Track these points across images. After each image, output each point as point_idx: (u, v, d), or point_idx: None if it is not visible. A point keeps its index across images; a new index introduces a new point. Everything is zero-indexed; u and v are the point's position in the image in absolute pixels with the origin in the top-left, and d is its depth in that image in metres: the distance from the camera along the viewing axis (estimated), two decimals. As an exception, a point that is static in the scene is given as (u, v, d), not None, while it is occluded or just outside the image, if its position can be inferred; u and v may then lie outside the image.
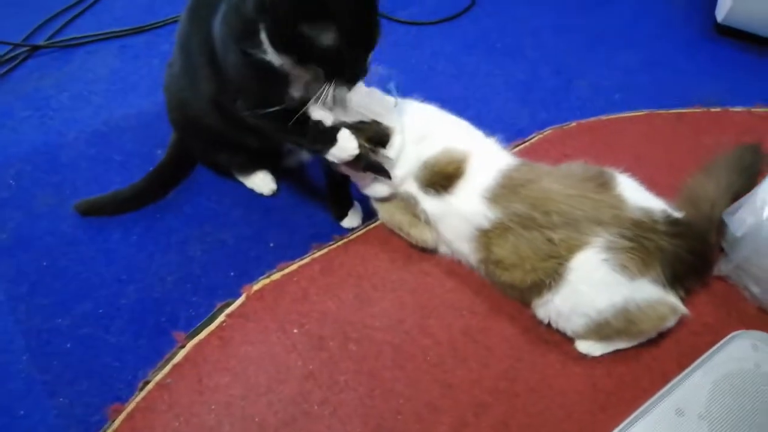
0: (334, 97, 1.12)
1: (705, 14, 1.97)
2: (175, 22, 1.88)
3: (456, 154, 1.21)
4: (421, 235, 1.27)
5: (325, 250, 1.34)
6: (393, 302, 1.25)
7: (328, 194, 1.42)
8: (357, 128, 1.17)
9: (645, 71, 1.80)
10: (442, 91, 1.73)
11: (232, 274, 1.32)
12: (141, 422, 1.09)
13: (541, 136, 1.58)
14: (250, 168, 1.46)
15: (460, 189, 1.19)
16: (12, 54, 1.81)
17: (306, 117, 1.13)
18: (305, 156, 1.47)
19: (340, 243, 1.35)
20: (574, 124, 1.61)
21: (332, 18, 0.97)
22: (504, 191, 1.15)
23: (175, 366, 1.15)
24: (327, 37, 0.99)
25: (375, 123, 1.19)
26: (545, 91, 1.74)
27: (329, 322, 1.22)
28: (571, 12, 2.00)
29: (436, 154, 1.22)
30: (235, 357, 1.17)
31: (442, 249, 1.30)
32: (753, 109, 1.65)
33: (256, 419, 1.10)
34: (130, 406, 1.10)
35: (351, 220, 1.41)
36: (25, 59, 1.81)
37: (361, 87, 1.16)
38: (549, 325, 1.18)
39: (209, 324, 1.21)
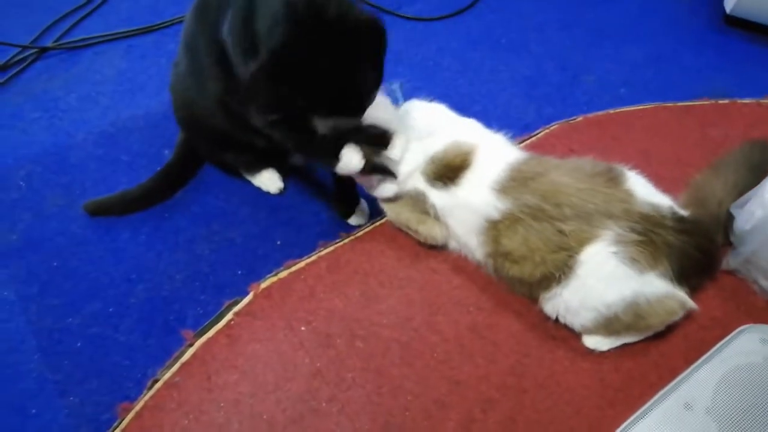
0: None
1: (713, 5, 1.95)
2: (182, 21, 1.89)
3: (463, 146, 1.22)
4: (430, 231, 1.27)
5: (332, 248, 1.34)
6: (400, 299, 1.26)
7: (335, 192, 1.42)
8: (358, 131, 1.17)
9: (651, 65, 1.79)
10: (448, 86, 1.72)
11: (239, 272, 1.33)
12: (150, 421, 1.10)
13: (547, 130, 1.57)
14: (257, 167, 1.47)
15: (468, 180, 1.19)
16: (21, 56, 1.82)
17: (313, 129, 1.13)
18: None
19: (346, 241, 1.35)
20: (580, 118, 1.61)
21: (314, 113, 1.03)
22: (513, 183, 1.15)
23: (183, 364, 1.16)
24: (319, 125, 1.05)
25: (375, 125, 1.18)
26: (551, 86, 1.74)
27: (336, 320, 1.23)
28: (576, 7, 1.99)
29: (444, 148, 1.22)
30: (243, 355, 1.18)
31: (452, 244, 1.30)
32: (762, 101, 1.64)
33: (265, 417, 1.10)
34: (139, 405, 1.11)
35: (357, 218, 1.41)
36: (33, 61, 1.83)
37: None
38: (556, 320, 1.18)
39: (217, 322, 1.22)
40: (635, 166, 1.18)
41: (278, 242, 1.39)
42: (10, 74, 1.78)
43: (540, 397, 1.12)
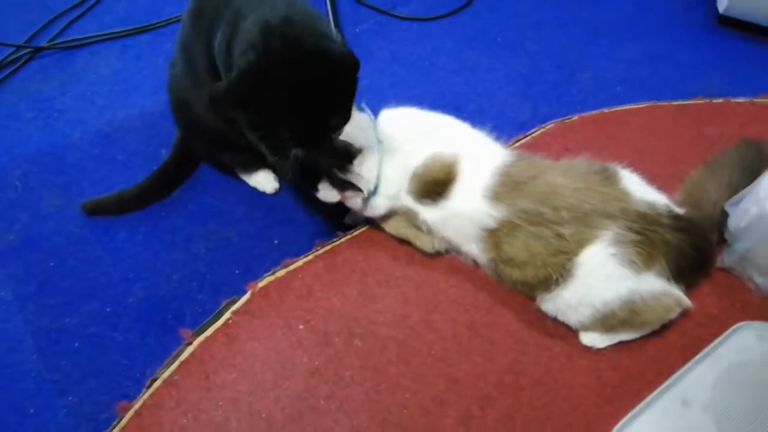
0: None
1: (706, 5, 1.96)
2: (177, 21, 1.89)
3: (444, 158, 1.20)
4: (425, 246, 1.28)
5: (329, 247, 1.34)
6: (397, 298, 1.26)
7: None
8: (329, 148, 1.18)
9: (647, 63, 1.80)
10: (444, 86, 1.73)
11: (237, 271, 1.33)
12: (149, 419, 1.10)
13: (543, 129, 1.58)
14: (253, 167, 1.47)
15: (457, 192, 1.18)
16: (15, 56, 1.82)
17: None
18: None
19: (343, 240, 1.35)
20: (576, 117, 1.61)
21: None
22: (506, 189, 1.14)
23: (182, 363, 1.16)
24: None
25: (342, 141, 1.19)
26: (547, 84, 1.74)
27: (334, 319, 1.23)
28: (572, 5, 2.00)
29: (425, 162, 1.21)
30: (242, 353, 1.18)
31: (455, 251, 1.30)
32: (756, 100, 1.65)
33: (263, 415, 1.11)
34: (138, 404, 1.11)
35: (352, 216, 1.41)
36: (28, 61, 1.82)
37: None
38: (554, 318, 1.18)
39: (215, 321, 1.22)
40: (630, 165, 1.19)
41: (275, 241, 1.39)
42: (4, 74, 1.77)
43: (538, 394, 1.13)
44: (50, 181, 1.50)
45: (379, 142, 1.22)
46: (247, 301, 1.25)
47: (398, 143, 1.23)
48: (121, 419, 1.10)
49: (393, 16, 1.95)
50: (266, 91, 0.99)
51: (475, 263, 1.27)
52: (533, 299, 1.19)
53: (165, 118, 1.47)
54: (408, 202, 1.23)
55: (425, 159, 1.21)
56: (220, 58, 1.10)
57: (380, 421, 1.10)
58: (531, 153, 1.24)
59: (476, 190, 1.16)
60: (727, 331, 1.13)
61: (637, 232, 1.06)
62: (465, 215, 1.18)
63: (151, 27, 1.92)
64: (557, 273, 1.10)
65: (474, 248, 1.21)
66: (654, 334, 1.17)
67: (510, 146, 1.49)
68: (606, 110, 1.63)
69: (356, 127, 1.19)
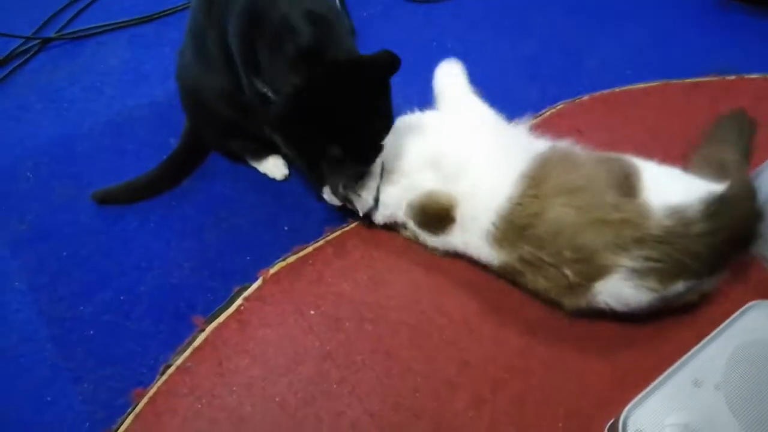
0: None
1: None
2: (184, 9, 1.89)
3: (441, 198, 1.18)
4: (434, 251, 1.28)
5: (339, 233, 1.34)
6: (407, 283, 1.26)
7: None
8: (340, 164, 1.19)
9: (656, 45, 1.77)
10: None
11: (248, 258, 1.34)
12: (163, 405, 1.11)
13: (553, 110, 1.56)
14: (263, 153, 1.47)
15: (458, 232, 1.19)
16: (24, 47, 1.82)
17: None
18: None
19: (353, 225, 1.36)
20: (586, 97, 1.59)
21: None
22: (508, 234, 1.11)
23: (195, 349, 1.18)
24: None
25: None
26: (555, 68, 1.72)
27: (345, 304, 1.23)
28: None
29: (419, 199, 1.20)
30: (254, 339, 1.19)
31: None
32: (769, 76, 1.62)
33: (277, 399, 1.12)
34: (153, 390, 1.13)
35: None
36: (36, 52, 1.83)
37: None
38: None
39: (227, 308, 1.23)
40: (643, 144, 1.18)
41: (285, 228, 1.39)
42: (13, 66, 1.78)
43: (549, 377, 1.13)
44: (61, 171, 1.51)
45: (383, 167, 1.22)
46: (259, 288, 1.26)
47: (398, 174, 1.23)
48: (135, 405, 1.11)
49: (400, -1, 1.94)
50: (314, 115, 1.02)
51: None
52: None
53: (174, 107, 1.47)
54: (410, 225, 1.25)
55: (422, 195, 1.20)
56: (240, 54, 1.12)
57: (392, 405, 1.11)
58: (544, 161, 1.14)
59: (477, 234, 1.15)
60: (740, 311, 1.11)
61: (656, 261, 1.01)
62: (470, 252, 1.19)
63: (158, 16, 1.92)
64: (577, 295, 1.09)
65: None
66: (665, 313, 1.16)
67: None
68: (617, 89, 1.61)
69: None
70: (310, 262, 1.30)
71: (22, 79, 1.76)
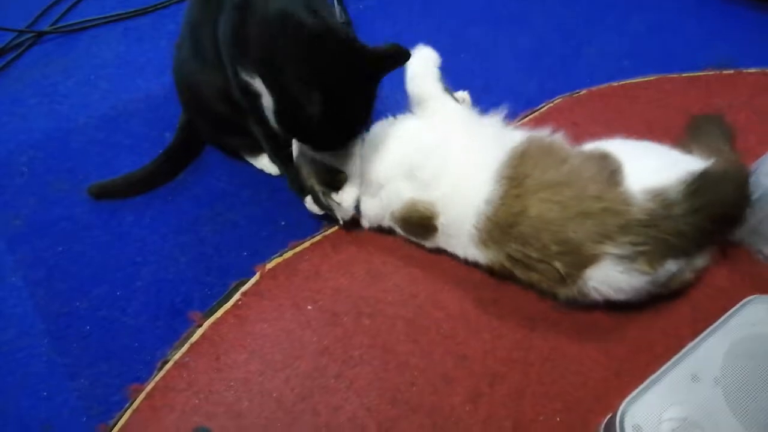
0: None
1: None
2: (179, 2, 1.88)
3: (420, 206, 1.18)
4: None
5: (336, 228, 1.34)
6: (404, 277, 1.26)
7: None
8: (314, 170, 1.21)
9: (654, 36, 1.76)
10: (449, 63, 1.69)
11: (244, 253, 1.33)
12: (161, 401, 1.11)
13: (551, 104, 1.56)
14: (259, 149, 1.46)
15: (443, 237, 1.20)
16: (17, 41, 1.81)
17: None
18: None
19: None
20: (584, 91, 1.59)
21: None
22: (492, 234, 1.11)
23: (193, 345, 1.17)
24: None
25: (330, 168, 1.21)
26: (553, 59, 1.72)
27: (342, 298, 1.23)
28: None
29: (402, 210, 1.21)
30: (251, 334, 1.19)
31: None
32: (767, 70, 1.62)
33: (274, 394, 1.11)
34: (150, 386, 1.13)
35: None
36: (30, 46, 1.81)
37: None
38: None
39: (225, 303, 1.22)
40: (640, 139, 1.17)
41: (282, 223, 1.38)
42: (7, 60, 1.77)
43: (546, 369, 1.13)
44: (56, 166, 1.50)
45: (362, 174, 1.23)
46: (256, 283, 1.25)
47: (375, 186, 1.23)
48: (133, 401, 1.11)
49: (396, -8, 1.93)
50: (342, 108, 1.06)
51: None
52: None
53: (169, 101, 1.46)
54: (397, 230, 1.27)
55: (402, 206, 1.20)
56: (226, 48, 1.10)
57: (390, 399, 1.11)
58: (521, 156, 1.13)
59: (462, 238, 1.16)
60: (738, 305, 1.11)
61: (641, 244, 1.02)
62: (456, 252, 1.21)
63: (152, 8, 1.91)
64: (570, 285, 1.09)
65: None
66: (663, 307, 1.16)
67: (519, 122, 1.49)
68: (614, 83, 1.61)
69: (346, 155, 1.22)
70: (307, 256, 1.30)
71: (15, 73, 1.75)
